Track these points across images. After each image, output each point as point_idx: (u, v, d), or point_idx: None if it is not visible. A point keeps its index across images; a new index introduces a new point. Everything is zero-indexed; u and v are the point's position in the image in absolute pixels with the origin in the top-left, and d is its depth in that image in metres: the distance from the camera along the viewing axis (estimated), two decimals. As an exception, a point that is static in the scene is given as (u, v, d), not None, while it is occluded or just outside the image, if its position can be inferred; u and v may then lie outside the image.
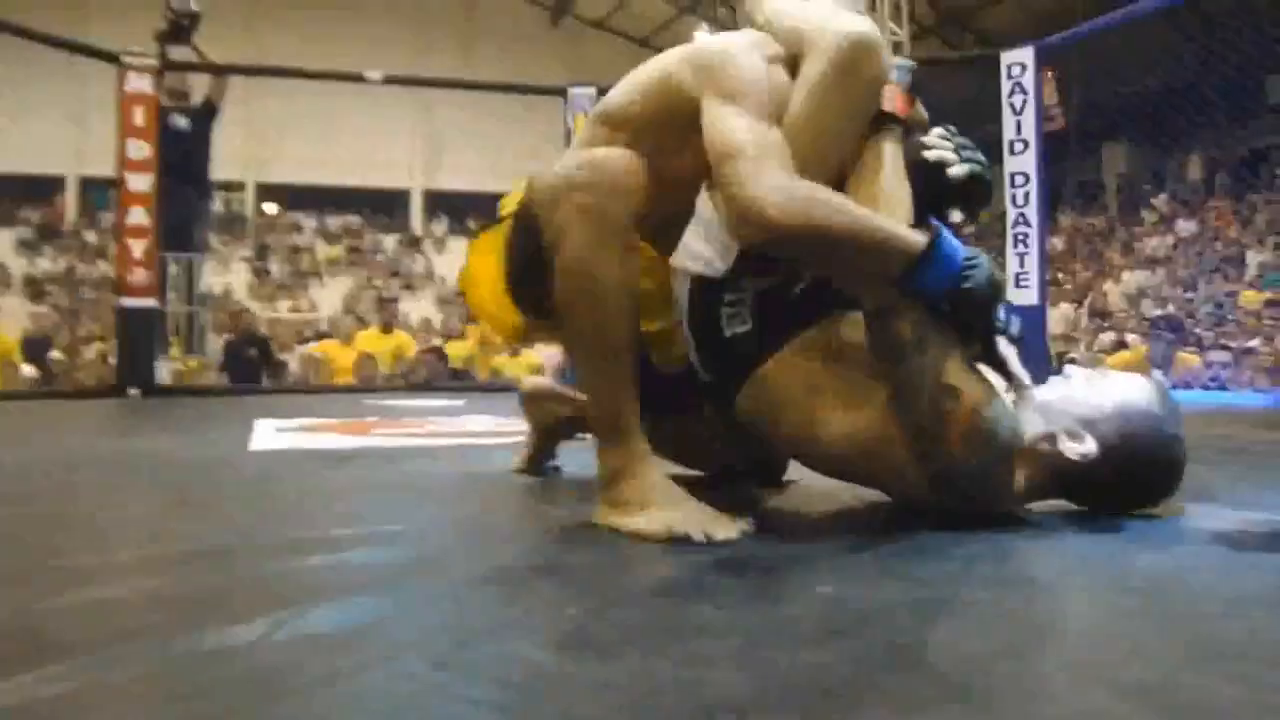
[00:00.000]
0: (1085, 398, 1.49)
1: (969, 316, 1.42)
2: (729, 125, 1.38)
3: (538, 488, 1.97)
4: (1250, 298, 9.10)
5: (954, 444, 1.38)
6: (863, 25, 1.45)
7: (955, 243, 1.41)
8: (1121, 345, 8.15)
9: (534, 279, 1.52)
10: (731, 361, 1.55)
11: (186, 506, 1.79)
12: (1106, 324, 9.87)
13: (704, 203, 1.47)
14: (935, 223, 1.42)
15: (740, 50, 1.48)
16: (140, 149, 5.46)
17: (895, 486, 1.53)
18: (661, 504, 1.41)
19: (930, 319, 1.41)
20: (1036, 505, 1.52)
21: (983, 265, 1.40)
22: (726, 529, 1.35)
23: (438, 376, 7.26)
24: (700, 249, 1.49)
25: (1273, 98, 11.99)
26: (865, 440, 1.45)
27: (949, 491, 1.42)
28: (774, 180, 1.33)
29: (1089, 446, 1.43)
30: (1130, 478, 1.47)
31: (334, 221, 19.15)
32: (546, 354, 8.67)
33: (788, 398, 1.51)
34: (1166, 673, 0.81)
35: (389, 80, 6.61)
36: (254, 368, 7.77)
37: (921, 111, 1.61)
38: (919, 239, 1.38)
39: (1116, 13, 5.30)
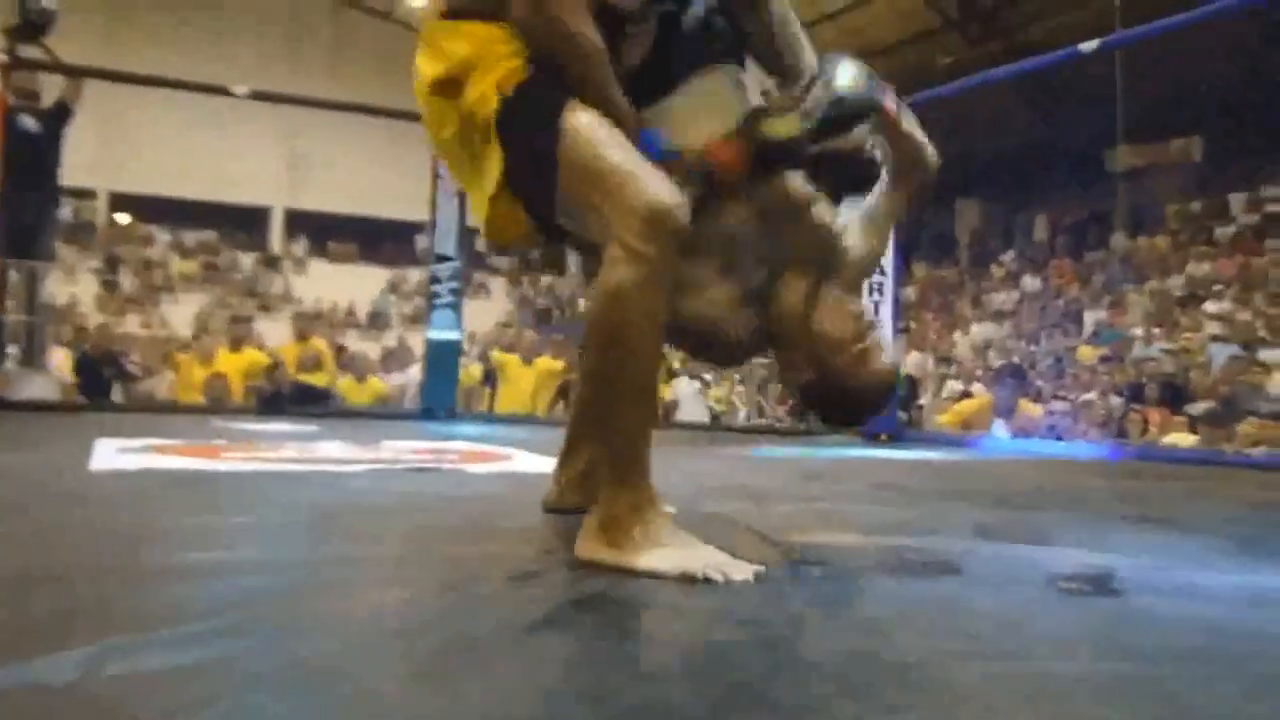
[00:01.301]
0: None
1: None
2: None
3: (398, 518, 1.93)
4: (1086, 353, 9.58)
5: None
6: None
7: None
8: (967, 394, 8.47)
9: (529, 183, 1.47)
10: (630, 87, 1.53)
11: (13, 528, 1.69)
12: (954, 372, 10.25)
13: None
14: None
15: None
16: (-18, 147, 5.19)
17: None
18: (674, 545, 1.39)
19: None
20: (882, 541, 1.57)
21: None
22: (742, 570, 1.33)
23: (283, 390, 6.99)
24: None
25: (1109, 166, 12.79)
26: None
27: None
28: None
29: (894, 358, 1.58)
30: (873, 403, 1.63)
31: (190, 236, 18.44)
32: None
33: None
34: (1001, 714, 0.85)
35: (256, 96, 6.45)
36: (107, 384, 7.40)
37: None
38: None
39: (974, 77, 5.62)
